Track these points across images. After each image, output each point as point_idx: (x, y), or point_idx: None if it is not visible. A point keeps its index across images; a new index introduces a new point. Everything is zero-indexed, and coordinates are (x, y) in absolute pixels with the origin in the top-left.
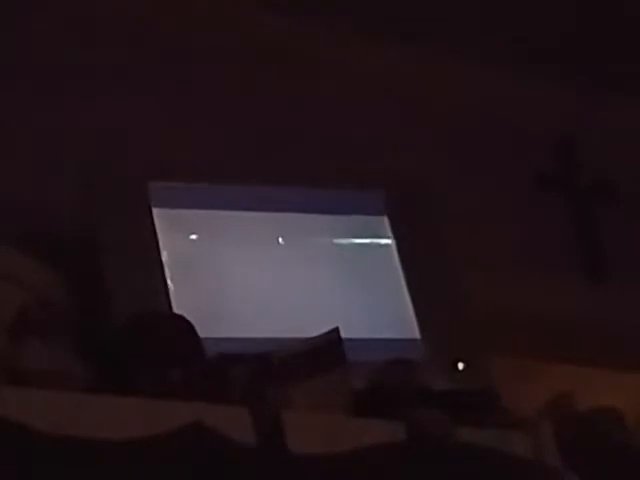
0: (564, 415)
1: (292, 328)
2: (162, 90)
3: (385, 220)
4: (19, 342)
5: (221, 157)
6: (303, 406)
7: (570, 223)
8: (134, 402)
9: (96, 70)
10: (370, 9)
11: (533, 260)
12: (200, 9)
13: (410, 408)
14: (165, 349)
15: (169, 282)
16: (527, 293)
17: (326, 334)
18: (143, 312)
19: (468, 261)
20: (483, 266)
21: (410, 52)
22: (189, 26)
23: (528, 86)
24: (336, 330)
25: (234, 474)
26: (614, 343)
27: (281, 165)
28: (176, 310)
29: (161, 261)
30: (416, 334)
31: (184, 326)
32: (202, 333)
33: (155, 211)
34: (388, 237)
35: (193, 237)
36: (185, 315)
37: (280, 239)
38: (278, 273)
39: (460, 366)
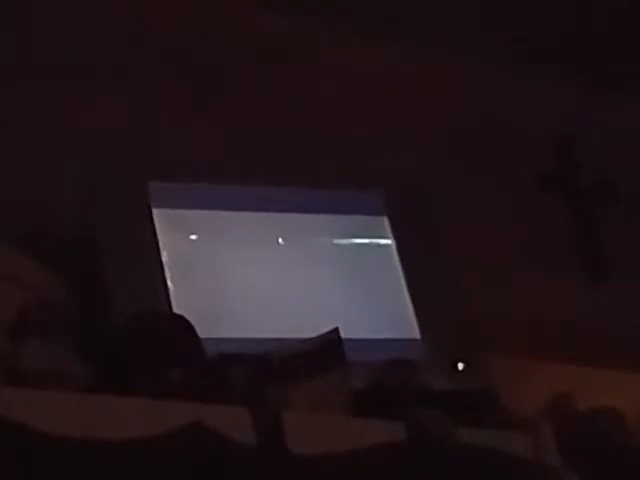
0: (564, 415)
1: (292, 328)
2: (162, 90)
3: (385, 220)
4: (19, 342)
5: (221, 157)
6: (303, 406)
7: (570, 223)
8: (134, 402)
9: (96, 70)
10: (370, 9)
11: (533, 260)
12: (200, 9)
13: (410, 408)
14: (165, 349)
15: (169, 282)
16: (527, 293)
17: (326, 334)
18: (143, 312)
19: (468, 261)
20: (483, 266)
21: (410, 52)
22: (189, 26)
23: (528, 86)
24: (336, 330)
25: (234, 474)
26: (614, 343)
27: (281, 165)
28: (176, 310)
29: (161, 261)
30: (416, 334)
31: (184, 326)
32: (202, 333)
33: (155, 211)
34: (388, 237)
35: (193, 237)
36: (185, 315)
37: (280, 239)
38: (278, 273)
39: (460, 366)
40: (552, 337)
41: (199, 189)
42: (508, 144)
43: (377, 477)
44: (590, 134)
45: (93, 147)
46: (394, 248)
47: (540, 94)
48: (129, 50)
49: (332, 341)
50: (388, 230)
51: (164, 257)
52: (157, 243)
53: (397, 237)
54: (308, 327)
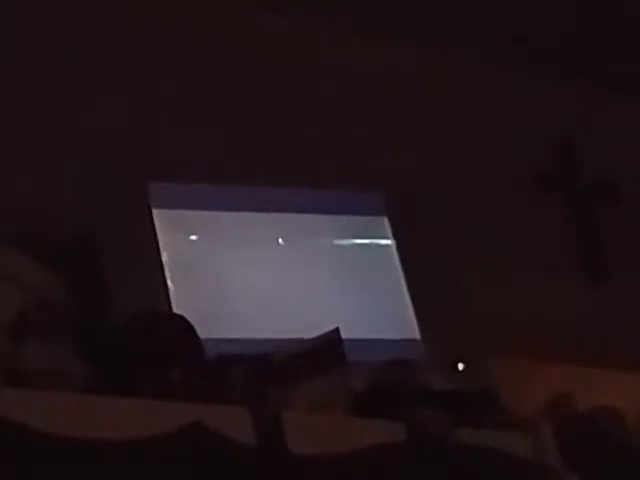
0: (564, 415)
1: (292, 328)
2: (162, 90)
3: (385, 221)
4: (19, 342)
5: (221, 157)
6: (303, 406)
7: (570, 223)
8: (134, 402)
9: (96, 70)
10: (370, 9)
11: (533, 260)
12: (200, 9)
13: (410, 408)
14: (165, 349)
15: (169, 282)
16: (527, 293)
17: (326, 334)
18: (143, 312)
19: (468, 261)
20: (483, 266)
21: (410, 52)
22: (189, 26)
23: (528, 86)
24: (336, 330)
25: (234, 474)
26: (614, 343)
27: (281, 165)
28: (176, 310)
29: (161, 261)
30: (416, 334)
31: (184, 326)
32: (202, 334)
33: (155, 211)
34: (388, 237)
35: (193, 237)
36: (185, 315)
37: (280, 240)
38: (278, 274)
39: (460, 366)
40: (552, 337)
41: (199, 189)
42: (508, 144)
43: (377, 477)
44: (590, 134)
45: (93, 147)
46: (394, 248)
47: (540, 94)
48: (129, 50)
49: (332, 341)
50: (388, 230)
51: (164, 257)
52: (157, 243)
53: (397, 237)
54: (308, 327)
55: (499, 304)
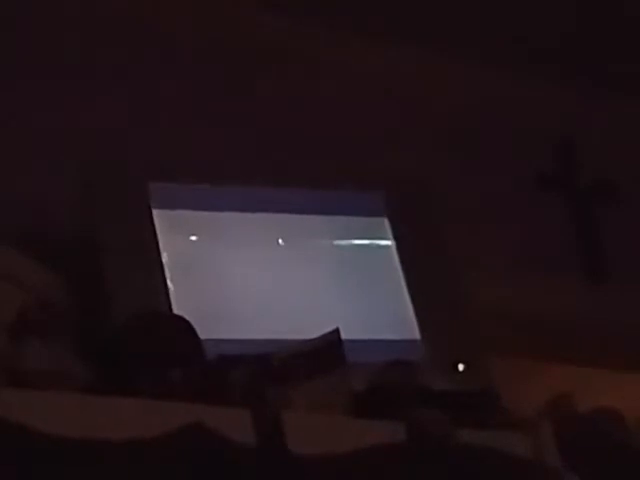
0: (564, 415)
1: (292, 329)
2: (162, 90)
3: (385, 221)
4: (19, 342)
5: (221, 157)
6: (303, 407)
7: (570, 223)
8: (134, 403)
9: (96, 70)
10: (370, 9)
11: (533, 260)
12: (200, 9)
13: (410, 409)
14: (165, 350)
15: (169, 283)
16: (527, 293)
17: (326, 335)
18: (143, 313)
19: (468, 261)
20: (483, 266)
21: (410, 52)
22: (189, 26)
23: (528, 86)
24: (336, 331)
25: (234, 475)
26: (614, 343)
27: (281, 165)
28: (176, 311)
29: (161, 262)
30: (416, 335)
31: (184, 327)
32: (202, 334)
33: (155, 212)
34: (388, 238)
35: (193, 238)
36: (185, 316)
37: (280, 240)
38: (278, 274)
39: (460, 367)
40: (552, 337)
41: (199, 190)
42: (508, 144)
43: (377, 478)
44: (590, 134)
45: (93, 147)
46: (394, 249)
47: (540, 94)
48: (129, 50)
49: (332, 342)
50: (388, 231)
51: (164, 258)
52: (157, 244)
53: (397, 238)
54: (308, 328)
55: (499, 304)
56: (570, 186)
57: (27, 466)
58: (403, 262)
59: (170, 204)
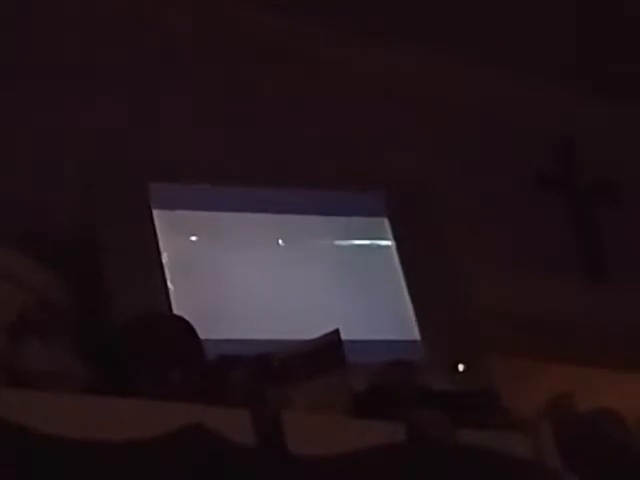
0: (564, 416)
1: (292, 329)
2: (162, 90)
3: (385, 222)
4: (19, 343)
5: (221, 157)
6: (303, 407)
7: (570, 223)
8: (134, 403)
9: (96, 70)
10: (370, 9)
11: (533, 260)
12: (200, 9)
13: (410, 409)
14: (165, 350)
15: (169, 283)
16: (527, 293)
17: (326, 335)
18: (143, 313)
19: (468, 261)
20: (483, 266)
21: (410, 52)
22: (189, 26)
23: (528, 86)
24: (336, 331)
25: (234, 475)
26: (614, 343)
27: (281, 166)
28: (176, 311)
29: (161, 262)
30: (416, 335)
31: (184, 327)
32: (202, 334)
33: (155, 212)
34: (388, 238)
35: (193, 238)
36: (185, 316)
37: (280, 240)
38: (278, 275)
39: (460, 367)
40: (552, 337)
41: (199, 190)
42: (508, 144)
43: (377, 478)
44: (590, 134)
45: (93, 147)
46: (394, 249)
47: (540, 94)
48: (129, 50)
49: (332, 342)
50: (388, 231)
51: (164, 258)
52: (157, 244)
53: (397, 238)
54: (308, 328)
55: (499, 304)
56: (570, 186)
57: (27, 466)
58: (403, 262)
59: (170, 204)
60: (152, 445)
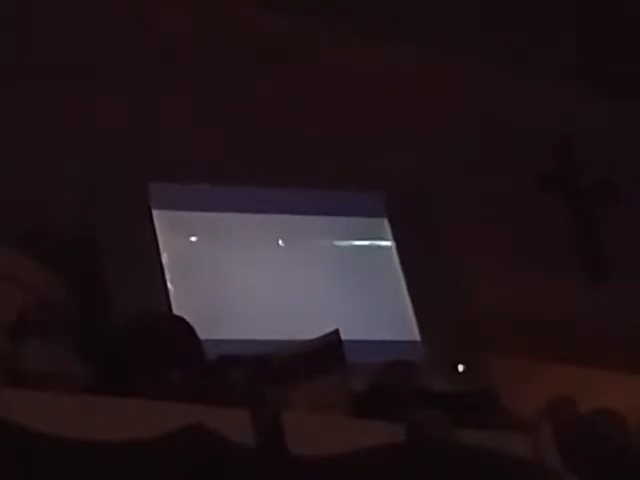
0: (564, 416)
1: (292, 330)
2: (162, 90)
3: (385, 222)
4: (19, 343)
5: (221, 157)
6: (303, 407)
7: (570, 223)
8: (134, 403)
9: (96, 70)
10: (370, 9)
11: (533, 260)
12: (200, 9)
13: (410, 409)
14: (165, 350)
15: (169, 284)
16: (527, 293)
17: (326, 336)
18: (143, 313)
19: (468, 261)
20: (483, 266)
21: (410, 52)
22: (189, 26)
23: (528, 86)
24: (336, 332)
25: (234, 475)
26: (614, 343)
27: (281, 166)
28: (176, 312)
29: (161, 262)
30: (416, 336)
31: (184, 327)
32: (202, 335)
33: (155, 212)
34: (388, 239)
35: (193, 239)
36: (185, 316)
37: (280, 241)
38: (278, 275)
39: (460, 368)
40: (552, 337)
41: (199, 190)
42: (508, 144)
43: (377, 478)
44: (590, 134)
45: (93, 147)
46: (394, 250)
47: (540, 94)
48: (129, 50)
49: (332, 342)
50: (388, 232)
51: (164, 258)
52: (157, 244)
53: (397, 239)
54: (308, 328)
55: (499, 304)
56: (570, 186)
57: (27, 466)
58: (403, 263)
59: (170, 204)
60: (152, 445)
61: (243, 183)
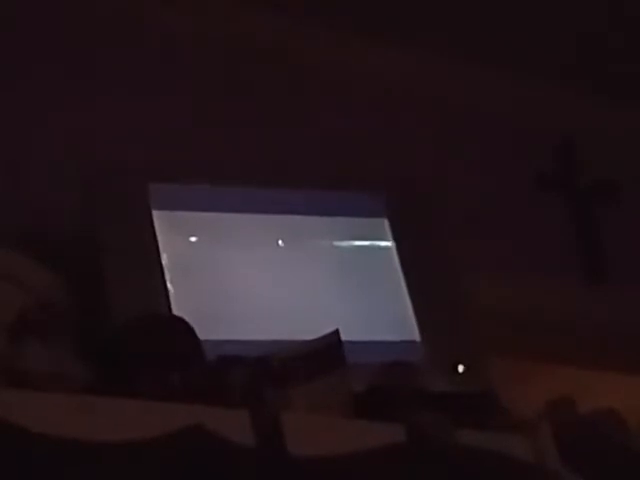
0: (564, 417)
1: (292, 330)
2: (162, 90)
3: (385, 222)
4: (19, 343)
5: (221, 158)
6: (303, 408)
7: (570, 223)
8: (134, 404)
9: (96, 70)
10: (370, 9)
11: (533, 260)
12: (200, 9)
13: (410, 410)
14: (165, 351)
15: (169, 284)
16: (527, 293)
17: (326, 336)
18: (143, 314)
19: (468, 261)
20: (483, 266)
21: (410, 52)
22: (189, 26)
23: (528, 86)
24: (336, 332)
25: (234, 476)
26: (614, 343)
27: (281, 166)
28: (176, 312)
29: (161, 263)
30: (416, 336)
31: (184, 328)
32: (202, 335)
33: (155, 213)
34: (388, 239)
35: (193, 239)
36: (185, 317)
37: (280, 241)
38: (278, 275)
39: (460, 368)
40: (552, 337)
41: (199, 190)
42: (508, 144)
43: (377, 479)
44: (590, 134)
45: (93, 147)
46: (394, 250)
47: (540, 94)
48: (129, 50)
49: (332, 343)
50: (388, 232)
51: (164, 259)
52: (157, 245)
53: (397, 239)
54: (308, 329)
55: (499, 304)
56: (570, 186)
57: (27, 467)
58: (403, 263)
59: (170, 205)
60: (152, 446)
61: (243, 183)
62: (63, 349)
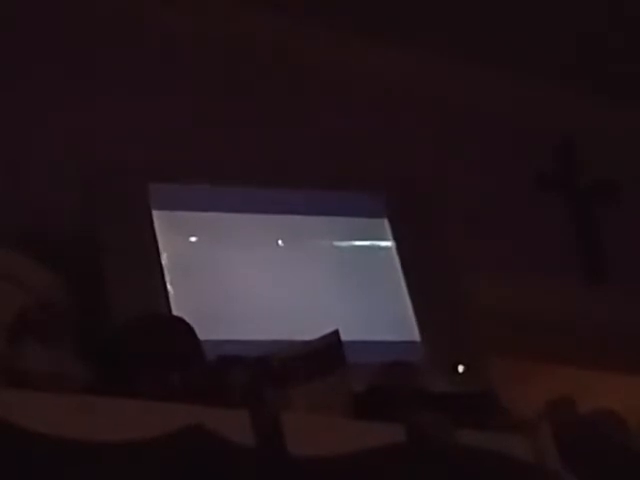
0: (564, 417)
1: (292, 330)
2: (162, 90)
3: (385, 222)
4: (19, 343)
5: (221, 158)
6: (303, 408)
7: (570, 223)
8: (134, 404)
9: (96, 70)
10: (370, 9)
11: (533, 260)
12: (200, 9)
13: (410, 410)
14: (165, 351)
15: (169, 284)
16: (527, 293)
17: (326, 336)
18: (143, 314)
19: (468, 261)
20: (483, 266)
21: (410, 52)
22: (189, 26)
23: (528, 86)
24: (336, 332)
25: (234, 476)
26: (614, 343)
27: (281, 166)
28: (175, 312)
29: (161, 263)
30: (416, 336)
31: (184, 328)
32: (202, 335)
33: (155, 213)
34: (388, 239)
35: (193, 239)
36: (185, 317)
37: (280, 241)
38: (278, 275)
39: (460, 368)
40: (552, 337)
41: (199, 190)
42: (508, 144)
43: (377, 479)
44: (590, 134)
45: (93, 147)
46: (394, 250)
47: (540, 94)
48: (129, 50)
49: (332, 343)
50: (388, 232)
51: (164, 259)
52: (157, 245)
53: (397, 239)
54: (308, 329)
55: (499, 304)
56: (570, 186)
57: (27, 468)
58: (403, 263)
59: (170, 205)
60: (152, 446)
61: (243, 183)
62: (63, 349)
